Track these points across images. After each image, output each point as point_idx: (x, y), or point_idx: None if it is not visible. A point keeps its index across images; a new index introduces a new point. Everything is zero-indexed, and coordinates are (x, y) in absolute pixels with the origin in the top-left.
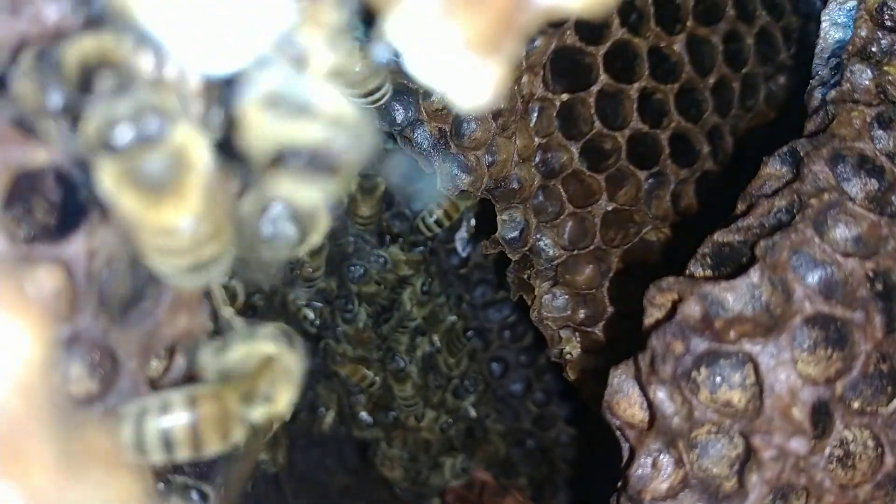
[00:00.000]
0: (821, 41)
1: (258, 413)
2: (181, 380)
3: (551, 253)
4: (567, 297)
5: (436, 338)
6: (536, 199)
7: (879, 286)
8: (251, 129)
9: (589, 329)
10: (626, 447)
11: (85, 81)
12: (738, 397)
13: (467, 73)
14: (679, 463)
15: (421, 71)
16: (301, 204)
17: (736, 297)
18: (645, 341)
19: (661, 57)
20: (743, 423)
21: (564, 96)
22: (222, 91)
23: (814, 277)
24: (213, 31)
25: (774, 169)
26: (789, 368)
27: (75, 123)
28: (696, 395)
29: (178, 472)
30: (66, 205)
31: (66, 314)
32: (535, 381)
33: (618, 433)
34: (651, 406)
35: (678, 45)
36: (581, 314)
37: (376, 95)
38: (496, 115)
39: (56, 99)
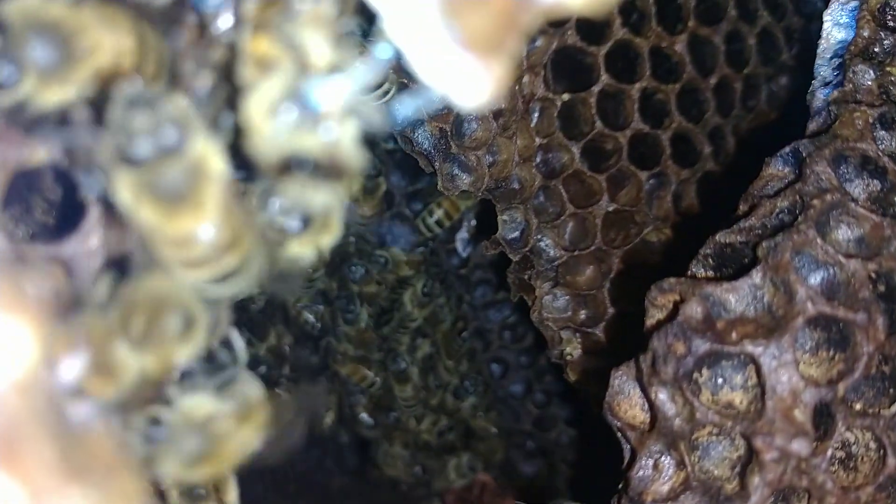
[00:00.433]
0: (823, 41)
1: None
2: None
3: (552, 253)
4: (568, 297)
5: (437, 338)
6: (537, 200)
7: (882, 287)
8: (258, 136)
9: (590, 330)
10: (627, 449)
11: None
12: (739, 399)
13: (468, 72)
14: (680, 464)
15: (422, 70)
16: (310, 206)
17: (738, 298)
18: (646, 342)
19: (663, 57)
20: (744, 424)
21: (565, 96)
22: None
23: (816, 278)
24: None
25: (777, 169)
26: (791, 370)
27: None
28: (698, 396)
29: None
30: (65, 203)
31: (66, 314)
32: (535, 382)
33: (619, 434)
34: (652, 407)
35: (680, 45)
36: (582, 315)
37: (379, 92)
38: (497, 114)
39: None
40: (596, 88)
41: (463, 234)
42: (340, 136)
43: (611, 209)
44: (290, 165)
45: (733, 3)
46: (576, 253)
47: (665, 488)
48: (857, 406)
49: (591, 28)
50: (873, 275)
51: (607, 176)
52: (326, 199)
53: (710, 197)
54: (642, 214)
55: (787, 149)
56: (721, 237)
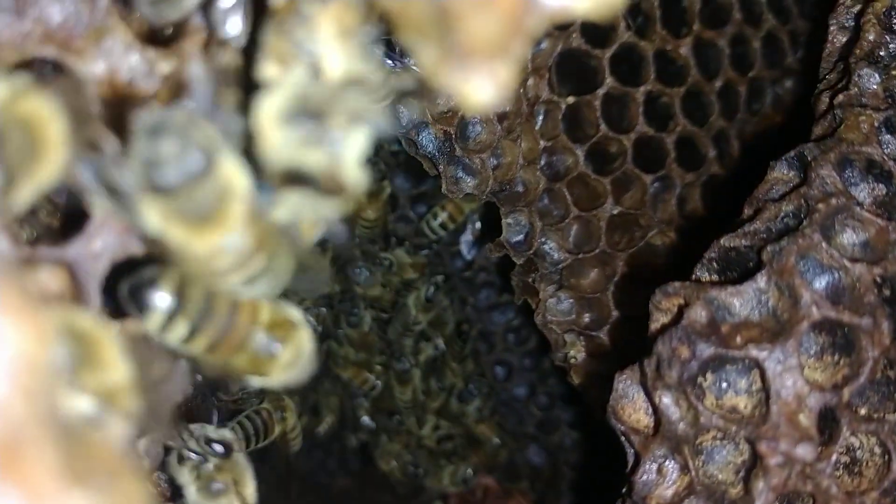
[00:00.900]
0: (828, 45)
1: None
2: None
3: (556, 256)
4: (572, 300)
5: (440, 342)
6: (541, 203)
7: (887, 292)
8: (267, 144)
9: (594, 333)
10: (630, 453)
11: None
12: (744, 403)
13: (473, 75)
14: (684, 469)
15: (427, 72)
16: (305, 216)
17: (742, 302)
18: (650, 346)
19: (668, 60)
20: (749, 429)
21: (570, 99)
22: None
23: (821, 283)
24: None
25: (781, 173)
26: (796, 374)
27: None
28: (702, 400)
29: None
30: (70, 206)
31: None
32: (539, 384)
33: (623, 438)
34: (656, 411)
35: (685, 49)
36: (586, 318)
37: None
38: (501, 117)
39: None
40: (601, 91)
41: (467, 237)
42: (345, 154)
43: (615, 212)
44: (293, 179)
45: (738, 6)
46: (580, 256)
47: (669, 493)
48: (862, 411)
49: (596, 31)
50: (878, 279)
51: (612, 179)
52: (322, 212)
53: (714, 200)
54: (647, 218)
55: (791, 152)
56: (726, 241)
